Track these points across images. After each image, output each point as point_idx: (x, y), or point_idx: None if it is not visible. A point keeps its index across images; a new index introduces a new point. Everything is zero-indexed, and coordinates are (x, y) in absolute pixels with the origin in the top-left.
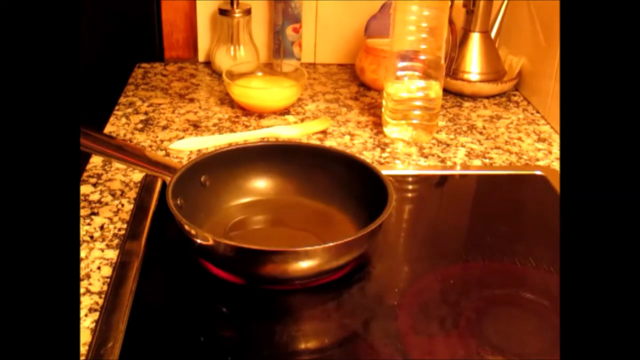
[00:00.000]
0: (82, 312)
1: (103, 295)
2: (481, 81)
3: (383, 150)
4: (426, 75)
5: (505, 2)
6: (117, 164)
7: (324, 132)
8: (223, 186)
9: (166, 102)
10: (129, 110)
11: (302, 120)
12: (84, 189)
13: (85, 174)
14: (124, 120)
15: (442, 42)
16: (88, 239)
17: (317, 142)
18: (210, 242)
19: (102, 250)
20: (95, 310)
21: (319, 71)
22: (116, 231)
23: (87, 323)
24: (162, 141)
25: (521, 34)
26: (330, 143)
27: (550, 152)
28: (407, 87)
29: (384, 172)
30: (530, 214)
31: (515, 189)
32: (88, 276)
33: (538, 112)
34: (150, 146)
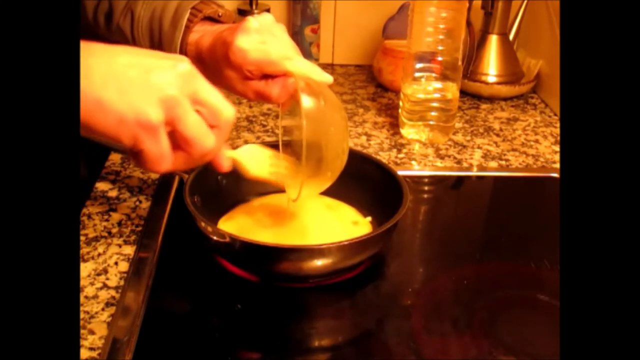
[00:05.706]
0: (99, 307)
1: (120, 290)
2: (499, 83)
3: (399, 151)
4: (443, 77)
5: (524, 4)
6: None
7: None
8: (239, 184)
9: None
10: None
11: None
12: (103, 185)
13: (104, 170)
14: None
15: (460, 43)
16: (106, 234)
17: None
18: (226, 239)
19: (120, 246)
20: (112, 304)
21: (337, 72)
22: (134, 227)
23: (103, 317)
24: None
25: (540, 37)
26: None
27: None
28: (424, 88)
29: (400, 172)
30: (545, 216)
31: (531, 191)
32: (105, 271)
33: (555, 114)
34: None
